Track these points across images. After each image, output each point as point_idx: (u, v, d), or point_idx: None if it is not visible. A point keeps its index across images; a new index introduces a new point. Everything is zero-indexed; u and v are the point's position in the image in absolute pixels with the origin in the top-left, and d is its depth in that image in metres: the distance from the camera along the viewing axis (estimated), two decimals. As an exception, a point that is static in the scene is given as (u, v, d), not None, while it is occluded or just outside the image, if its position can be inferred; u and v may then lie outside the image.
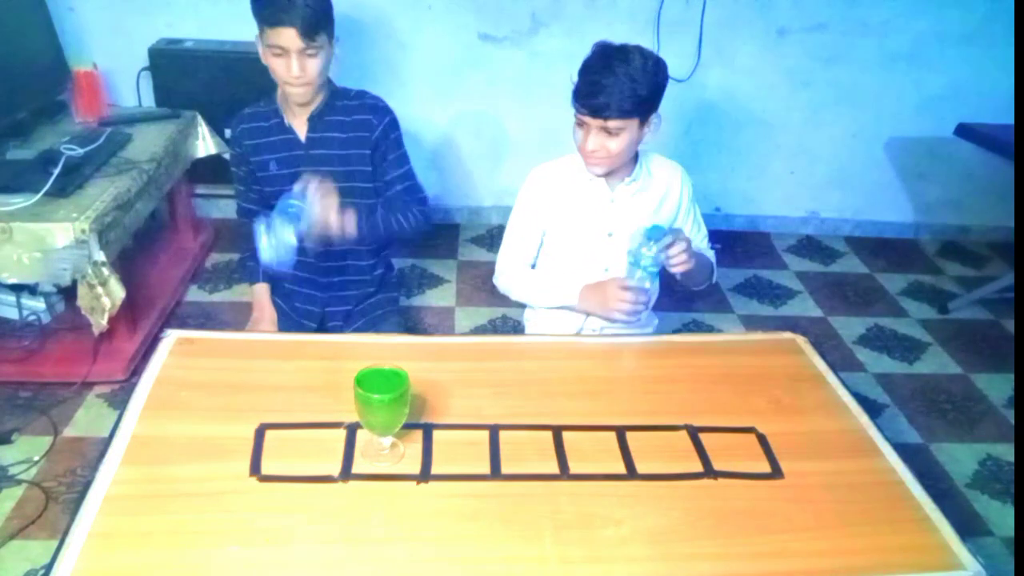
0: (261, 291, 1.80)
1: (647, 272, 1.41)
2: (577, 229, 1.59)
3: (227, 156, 1.85)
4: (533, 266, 1.70)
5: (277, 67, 1.52)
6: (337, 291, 1.78)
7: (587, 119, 1.41)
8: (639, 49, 1.42)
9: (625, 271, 1.47)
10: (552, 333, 1.65)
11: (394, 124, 1.68)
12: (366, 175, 1.68)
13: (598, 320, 1.59)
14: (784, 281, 3.01)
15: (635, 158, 1.55)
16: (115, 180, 2.04)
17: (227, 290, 2.65)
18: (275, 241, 1.33)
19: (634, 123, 1.42)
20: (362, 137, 1.64)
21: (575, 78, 1.43)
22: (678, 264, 1.40)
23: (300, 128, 1.64)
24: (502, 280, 1.69)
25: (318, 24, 1.48)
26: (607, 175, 1.54)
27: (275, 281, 1.80)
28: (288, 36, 1.46)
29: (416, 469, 1.10)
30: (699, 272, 1.55)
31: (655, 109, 1.45)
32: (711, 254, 1.66)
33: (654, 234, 1.38)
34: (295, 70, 1.49)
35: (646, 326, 1.69)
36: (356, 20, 2.76)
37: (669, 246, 1.38)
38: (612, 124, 1.39)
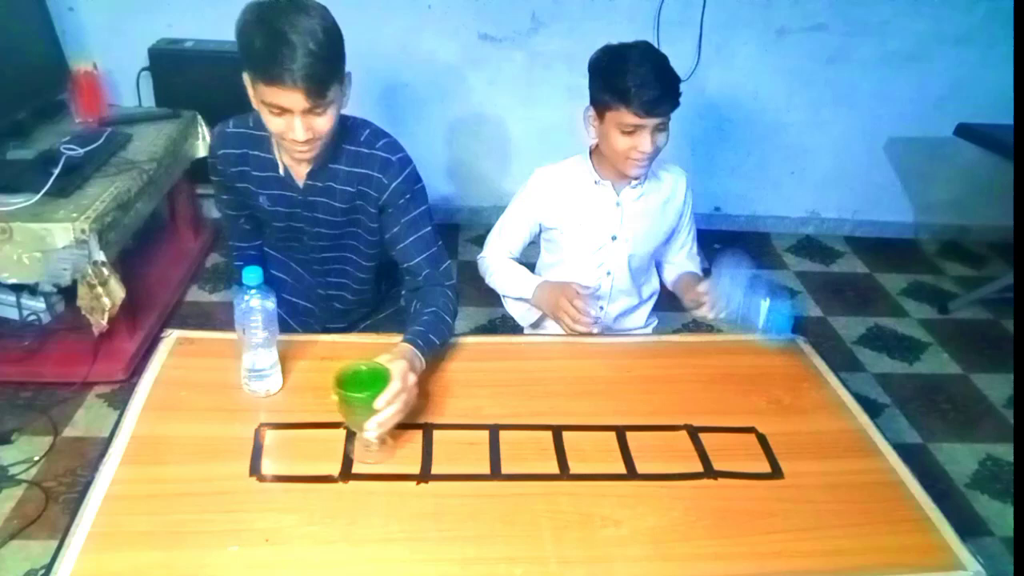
0: None
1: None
2: (582, 232, 1.58)
3: (208, 159, 1.61)
4: (532, 265, 1.70)
5: (275, 126, 1.21)
6: (336, 312, 1.65)
7: (644, 121, 1.38)
8: (646, 43, 1.42)
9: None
10: (551, 333, 1.65)
11: (408, 181, 1.37)
12: (372, 231, 1.42)
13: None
14: (784, 281, 3.01)
15: None
16: (115, 180, 2.04)
17: (227, 290, 2.65)
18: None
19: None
20: (368, 195, 1.36)
21: (608, 84, 1.39)
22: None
23: (298, 172, 1.36)
24: (483, 263, 1.68)
25: (329, 77, 1.16)
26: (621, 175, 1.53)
27: (273, 289, 1.73)
28: (292, 97, 1.15)
29: (416, 469, 1.10)
30: None
31: None
32: (696, 263, 1.68)
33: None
34: (300, 133, 1.19)
35: (646, 326, 1.70)
36: (355, 20, 2.75)
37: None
38: (665, 119, 1.40)
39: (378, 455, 1.10)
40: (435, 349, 1.28)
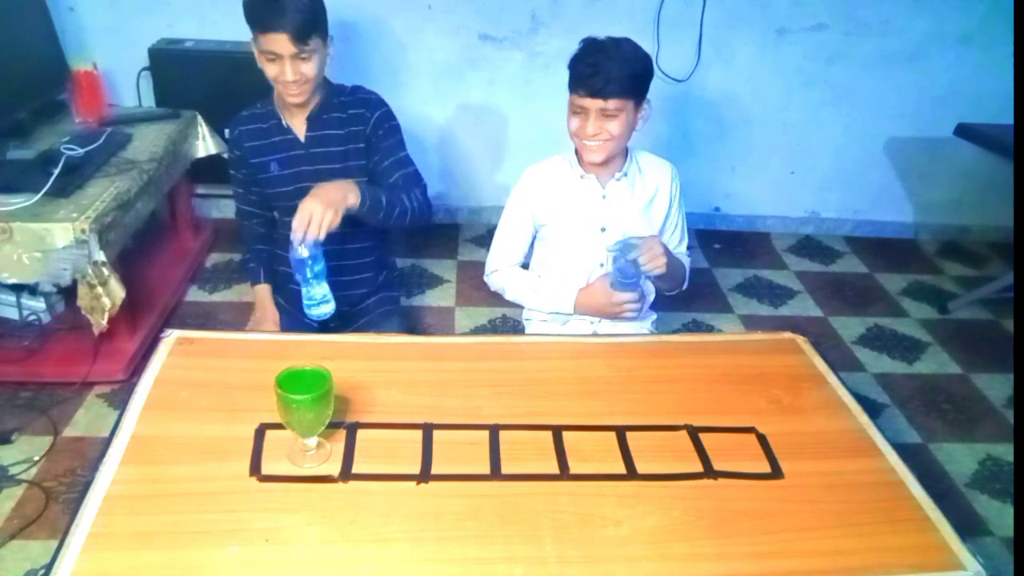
0: (263, 292, 1.80)
1: (630, 283, 1.48)
2: (571, 226, 1.61)
3: (227, 156, 1.85)
4: (526, 265, 1.71)
5: (271, 71, 1.53)
6: (338, 292, 1.76)
7: (586, 102, 1.44)
8: (625, 38, 1.47)
9: (611, 283, 1.52)
10: (551, 332, 1.66)
11: (387, 115, 1.68)
12: (362, 169, 1.68)
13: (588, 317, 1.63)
14: (784, 281, 3.01)
15: (625, 154, 1.58)
16: (115, 180, 2.04)
17: (227, 290, 2.65)
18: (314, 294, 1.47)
19: (630, 104, 1.45)
20: (356, 132, 1.65)
21: (568, 71, 1.46)
22: (653, 267, 1.44)
23: (299, 128, 1.65)
24: (495, 279, 1.70)
25: (310, 28, 1.48)
26: (600, 167, 1.55)
27: (277, 282, 1.80)
28: (280, 41, 1.47)
29: (416, 469, 1.10)
30: (671, 276, 1.57)
31: (646, 94, 1.48)
32: (687, 260, 1.69)
33: (625, 249, 1.45)
34: (289, 74, 1.51)
35: (644, 319, 1.71)
36: (356, 20, 2.76)
37: (642, 254, 1.44)
38: (611, 104, 1.42)
39: (316, 458, 1.10)
40: (376, 198, 1.53)
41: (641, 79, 1.46)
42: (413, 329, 2.47)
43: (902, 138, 3.19)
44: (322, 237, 1.38)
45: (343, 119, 1.65)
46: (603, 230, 1.59)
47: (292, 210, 1.65)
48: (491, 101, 3.02)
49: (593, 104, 1.43)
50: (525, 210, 1.63)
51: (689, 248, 1.75)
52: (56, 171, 1.91)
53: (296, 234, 1.37)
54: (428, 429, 1.17)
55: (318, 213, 1.37)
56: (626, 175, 1.57)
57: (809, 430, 1.24)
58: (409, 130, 3.03)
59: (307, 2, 1.49)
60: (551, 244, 1.66)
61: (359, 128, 1.65)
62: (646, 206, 1.60)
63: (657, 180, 1.62)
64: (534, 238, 1.69)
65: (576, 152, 1.58)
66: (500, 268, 1.69)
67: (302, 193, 1.60)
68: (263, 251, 1.81)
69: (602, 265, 1.62)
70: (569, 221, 1.60)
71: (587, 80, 1.42)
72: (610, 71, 1.41)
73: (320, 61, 1.55)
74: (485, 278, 1.73)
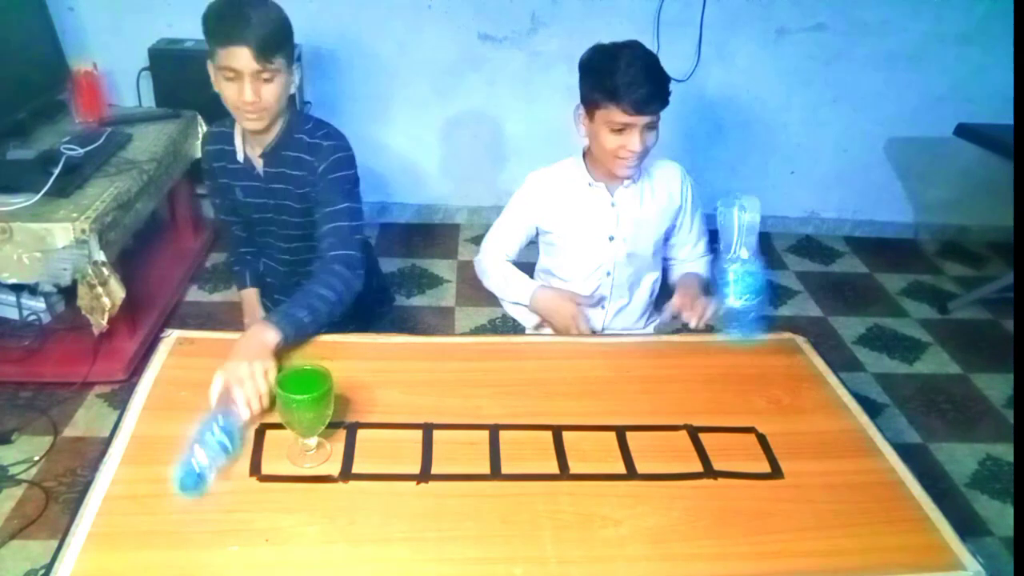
0: (250, 296, 1.75)
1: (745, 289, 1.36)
2: (579, 233, 1.58)
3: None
4: (531, 265, 1.70)
5: (229, 93, 1.37)
6: None
7: (634, 119, 1.37)
8: (637, 42, 1.42)
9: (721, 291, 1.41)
10: (552, 333, 1.66)
11: (336, 164, 1.48)
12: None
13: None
14: (784, 281, 3.02)
15: None
16: (115, 180, 2.04)
17: (227, 290, 2.65)
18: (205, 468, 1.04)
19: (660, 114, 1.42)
20: (307, 178, 1.50)
21: (599, 83, 1.39)
22: (706, 322, 1.41)
23: (258, 162, 1.52)
24: (480, 265, 1.68)
25: (275, 45, 1.34)
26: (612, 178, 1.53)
27: (264, 286, 1.77)
28: (241, 56, 1.31)
29: (416, 469, 1.10)
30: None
31: None
32: (704, 262, 1.65)
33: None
34: (248, 95, 1.35)
35: (646, 327, 1.70)
36: (355, 21, 2.76)
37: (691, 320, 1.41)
38: (654, 118, 1.39)
39: (316, 458, 1.10)
40: (299, 323, 1.29)
41: (668, 83, 1.41)
42: (413, 329, 2.47)
43: (902, 138, 3.19)
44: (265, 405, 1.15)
45: (300, 161, 1.49)
46: (611, 239, 1.56)
47: (261, 223, 1.62)
48: (491, 101, 3.02)
49: (640, 120, 1.38)
50: (528, 215, 1.60)
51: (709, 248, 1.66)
52: (56, 171, 1.91)
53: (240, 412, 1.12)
54: (428, 429, 1.17)
55: (250, 389, 1.13)
56: (635, 181, 1.54)
57: (809, 430, 1.24)
58: (409, 131, 3.02)
59: (273, 16, 1.35)
60: (557, 251, 1.63)
61: (309, 176, 1.50)
62: (656, 213, 1.57)
63: (667, 183, 1.58)
64: (532, 239, 1.67)
65: (584, 158, 1.54)
66: (487, 258, 1.66)
67: (268, 228, 1.61)
68: (247, 254, 1.76)
69: (608, 274, 1.60)
70: (577, 229, 1.57)
71: (634, 96, 1.35)
72: (652, 85, 1.35)
73: (283, 85, 1.39)
74: (474, 260, 1.71)
